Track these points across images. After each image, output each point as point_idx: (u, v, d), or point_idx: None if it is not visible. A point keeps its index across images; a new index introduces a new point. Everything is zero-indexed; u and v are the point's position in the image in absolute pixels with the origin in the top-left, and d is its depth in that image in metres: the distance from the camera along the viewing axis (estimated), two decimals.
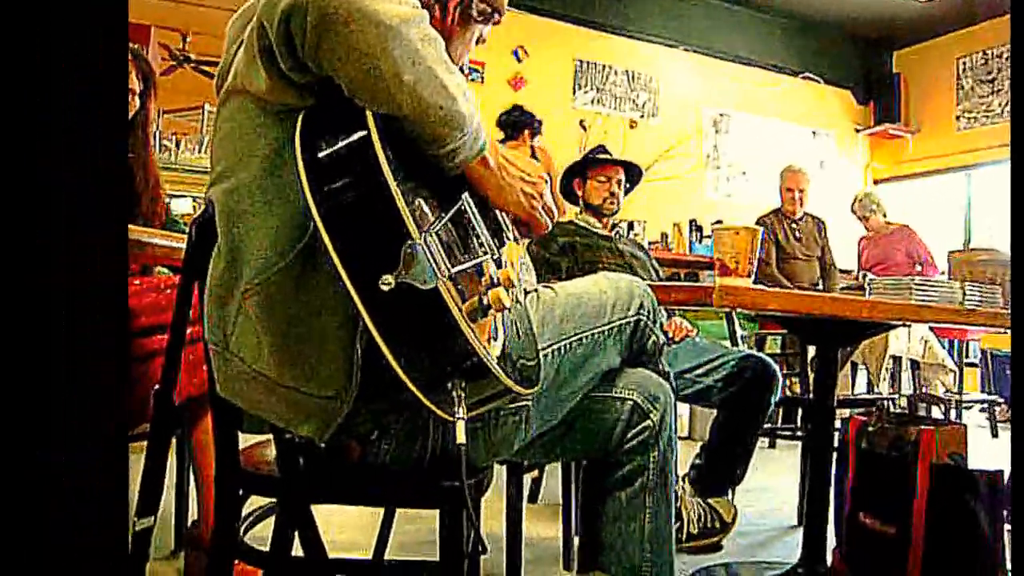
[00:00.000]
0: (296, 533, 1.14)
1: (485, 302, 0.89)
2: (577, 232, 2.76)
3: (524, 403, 1.10)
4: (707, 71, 6.60)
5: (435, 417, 1.01)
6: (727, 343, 3.06)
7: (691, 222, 5.60)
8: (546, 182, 1.09)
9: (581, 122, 6.16)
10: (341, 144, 0.86)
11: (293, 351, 0.95)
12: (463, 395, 0.85)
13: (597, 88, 6.36)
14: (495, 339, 0.93)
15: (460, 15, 1.24)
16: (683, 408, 3.98)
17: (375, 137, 0.85)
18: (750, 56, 6.72)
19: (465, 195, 0.98)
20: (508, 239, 1.08)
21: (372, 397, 0.97)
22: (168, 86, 3.28)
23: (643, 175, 2.94)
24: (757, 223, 4.21)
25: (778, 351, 4.05)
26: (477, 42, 1.35)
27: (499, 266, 0.98)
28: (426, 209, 0.87)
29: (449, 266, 0.84)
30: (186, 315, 1.20)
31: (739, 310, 1.62)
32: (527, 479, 2.96)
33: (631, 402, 1.22)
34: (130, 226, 1.66)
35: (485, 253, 0.95)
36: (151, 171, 2.00)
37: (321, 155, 0.85)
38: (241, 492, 1.14)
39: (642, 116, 6.43)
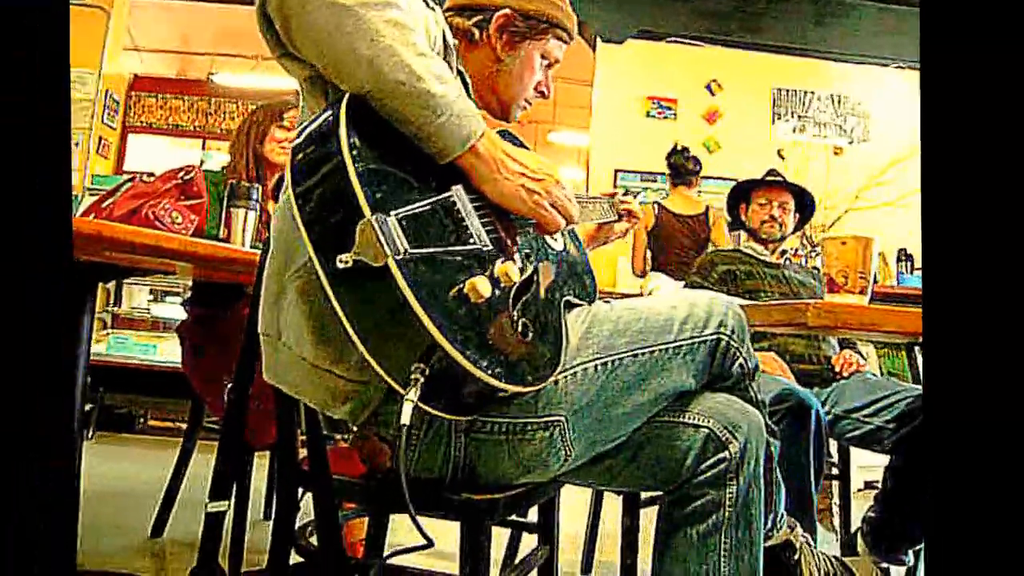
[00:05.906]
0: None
1: (464, 290, 0.89)
2: (740, 260, 2.64)
3: (555, 417, 1.05)
4: None
5: (456, 429, 1.05)
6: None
7: (900, 251, 5.04)
8: (557, 180, 1.07)
9: (779, 152, 5.86)
10: (313, 127, 0.91)
11: (329, 334, 0.99)
12: (420, 379, 0.86)
13: (799, 116, 6.02)
14: (506, 340, 0.94)
15: (507, 35, 1.26)
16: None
17: (342, 118, 0.89)
18: None
19: (458, 188, 0.99)
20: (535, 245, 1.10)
21: None
22: None
23: (815, 202, 2.76)
24: None
25: None
26: (549, 65, 1.32)
27: (501, 262, 0.98)
28: (402, 197, 0.90)
29: (406, 247, 0.86)
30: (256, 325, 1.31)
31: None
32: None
33: (705, 430, 1.12)
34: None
35: (473, 245, 0.96)
36: None
37: (299, 139, 0.91)
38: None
39: (851, 142, 5.98)
